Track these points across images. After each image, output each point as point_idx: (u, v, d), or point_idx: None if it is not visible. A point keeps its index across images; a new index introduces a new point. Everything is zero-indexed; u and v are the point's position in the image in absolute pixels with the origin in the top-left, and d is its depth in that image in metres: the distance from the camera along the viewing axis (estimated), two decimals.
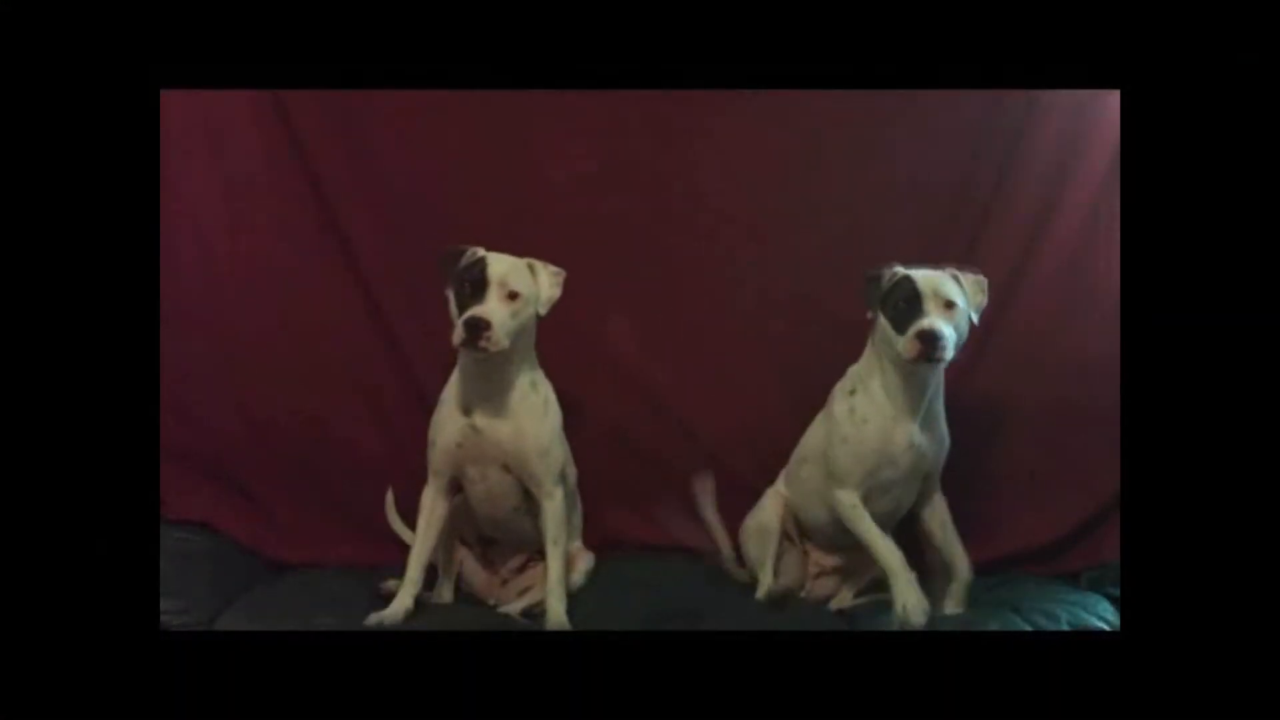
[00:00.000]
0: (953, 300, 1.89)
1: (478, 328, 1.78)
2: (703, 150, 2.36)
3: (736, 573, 2.25)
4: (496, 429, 1.92)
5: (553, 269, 1.93)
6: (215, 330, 2.37)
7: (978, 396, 2.25)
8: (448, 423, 1.95)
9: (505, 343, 1.81)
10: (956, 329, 1.89)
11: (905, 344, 1.87)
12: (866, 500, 1.98)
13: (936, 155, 2.32)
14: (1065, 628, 1.89)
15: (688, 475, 2.37)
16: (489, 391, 1.91)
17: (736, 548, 2.25)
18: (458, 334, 1.80)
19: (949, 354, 1.87)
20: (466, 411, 1.93)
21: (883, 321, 1.93)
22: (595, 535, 2.26)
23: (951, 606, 2.02)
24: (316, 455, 2.39)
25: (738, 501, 2.30)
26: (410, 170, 2.37)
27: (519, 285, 1.85)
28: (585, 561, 2.14)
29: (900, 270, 1.92)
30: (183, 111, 2.28)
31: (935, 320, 1.86)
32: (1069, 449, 2.26)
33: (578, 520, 2.16)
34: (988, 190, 2.31)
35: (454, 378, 1.97)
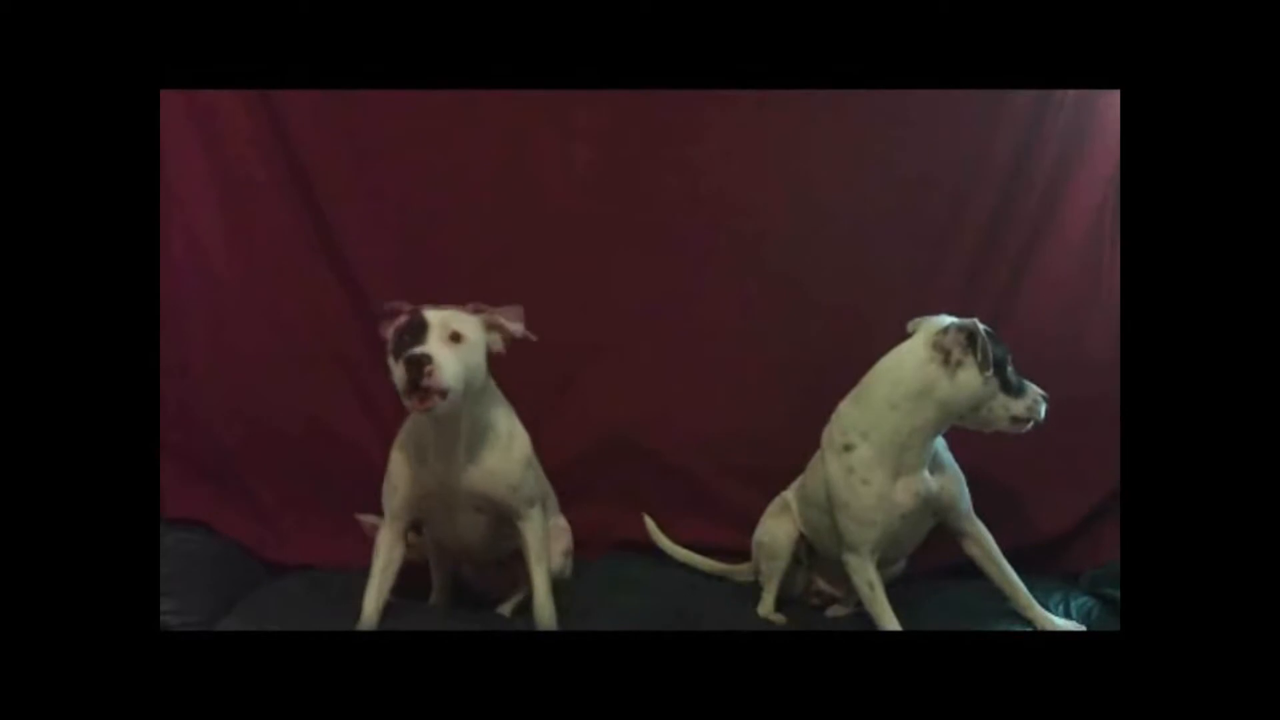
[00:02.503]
0: None
1: (420, 364, 1.61)
2: (703, 150, 2.36)
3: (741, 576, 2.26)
4: (467, 474, 1.82)
5: (504, 308, 1.81)
6: (215, 330, 2.37)
7: None
8: (410, 473, 1.84)
9: (453, 384, 1.65)
10: None
11: (1029, 408, 1.82)
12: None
13: (937, 155, 2.32)
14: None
15: (688, 475, 2.38)
16: (449, 440, 1.79)
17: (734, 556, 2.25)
18: (399, 377, 1.63)
19: None
20: (428, 460, 1.82)
21: (968, 380, 1.77)
22: (596, 535, 2.26)
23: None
24: (316, 455, 2.39)
25: (738, 500, 2.31)
26: (408, 170, 2.37)
27: (462, 328, 1.72)
28: (565, 541, 2.08)
29: (954, 319, 1.81)
30: (182, 111, 2.28)
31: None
32: (1069, 448, 2.26)
33: (553, 503, 2.10)
34: (989, 191, 2.30)
35: (408, 427, 1.86)
